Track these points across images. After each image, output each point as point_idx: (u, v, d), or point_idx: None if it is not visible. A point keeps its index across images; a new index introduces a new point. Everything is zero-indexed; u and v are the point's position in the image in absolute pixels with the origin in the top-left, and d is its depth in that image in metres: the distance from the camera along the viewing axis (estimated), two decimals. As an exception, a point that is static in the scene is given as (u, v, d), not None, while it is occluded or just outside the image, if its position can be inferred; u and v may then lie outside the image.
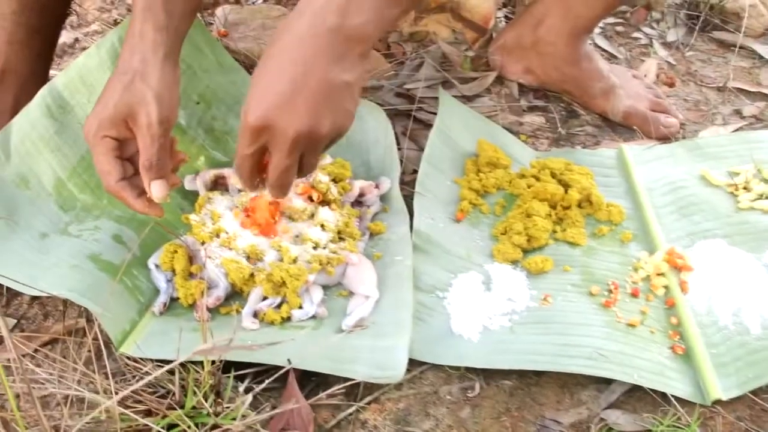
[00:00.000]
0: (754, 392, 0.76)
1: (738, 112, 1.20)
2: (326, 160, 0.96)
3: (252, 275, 0.81)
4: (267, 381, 0.71)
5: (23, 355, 0.77)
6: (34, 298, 0.84)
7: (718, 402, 0.75)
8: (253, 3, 1.39)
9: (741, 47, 1.32)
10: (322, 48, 0.68)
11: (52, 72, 1.06)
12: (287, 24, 0.70)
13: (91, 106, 0.89)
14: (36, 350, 0.78)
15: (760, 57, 1.32)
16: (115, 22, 1.37)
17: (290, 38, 0.69)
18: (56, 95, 0.88)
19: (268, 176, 0.74)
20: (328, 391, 0.73)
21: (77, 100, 0.89)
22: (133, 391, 0.68)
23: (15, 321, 0.83)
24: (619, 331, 0.80)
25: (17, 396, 0.70)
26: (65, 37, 1.29)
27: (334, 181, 0.92)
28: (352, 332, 0.77)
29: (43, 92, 0.88)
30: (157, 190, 0.76)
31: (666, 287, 0.86)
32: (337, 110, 0.71)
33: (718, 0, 1.39)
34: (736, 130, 1.15)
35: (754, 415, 0.75)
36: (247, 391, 0.72)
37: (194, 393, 0.68)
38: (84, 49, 1.30)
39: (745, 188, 0.99)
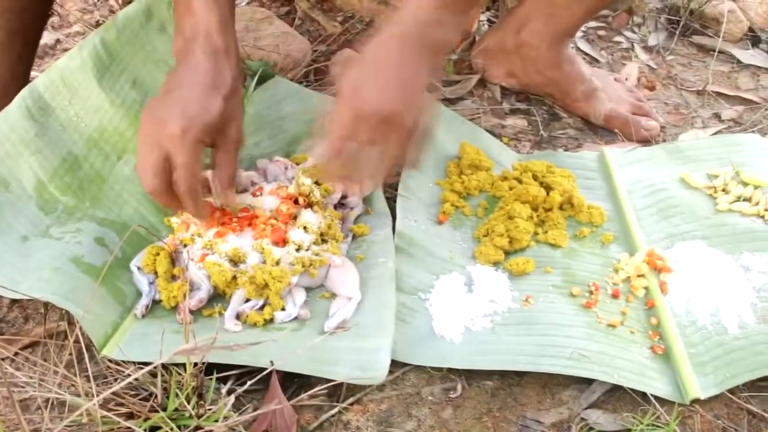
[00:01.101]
0: (731, 391, 0.77)
1: (717, 116, 1.21)
2: (308, 162, 0.96)
3: (234, 278, 0.81)
4: (249, 383, 0.71)
5: (3, 359, 0.76)
6: (14, 301, 0.84)
7: (696, 401, 0.76)
8: (237, 5, 1.39)
9: (720, 52, 1.34)
10: (414, 56, 0.79)
11: (33, 73, 1.05)
12: (380, 39, 0.79)
13: (72, 108, 0.90)
14: (16, 353, 0.78)
15: (739, 61, 1.34)
16: (97, 24, 1.36)
17: (385, 48, 0.79)
18: (37, 97, 0.88)
19: (385, 166, 0.81)
20: (311, 392, 0.73)
21: (58, 102, 0.89)
22: (114, 394, 0.68)
23: (-5, 324, 0.82)
24: (600, 332, 0.81)
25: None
26: (46, 38, 1.28)
27: (317, 183, 0.93)
28: (334, 334, 0.77)
29: (23, 94, 0.87)
30: (232, 198, 0.84)
31: (646, 288, 0.87)
32: (425, 109, 0.81)
33: (697, 5, 1.41)
34: (715, 133, 1.17)
35: (731, 413, 0.76)
36: (229, 392, 0.72)
37: (176, 395, 0.68)
38: (65, 50, 1.30)
39: (723, 191, 1.00)
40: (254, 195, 0.90)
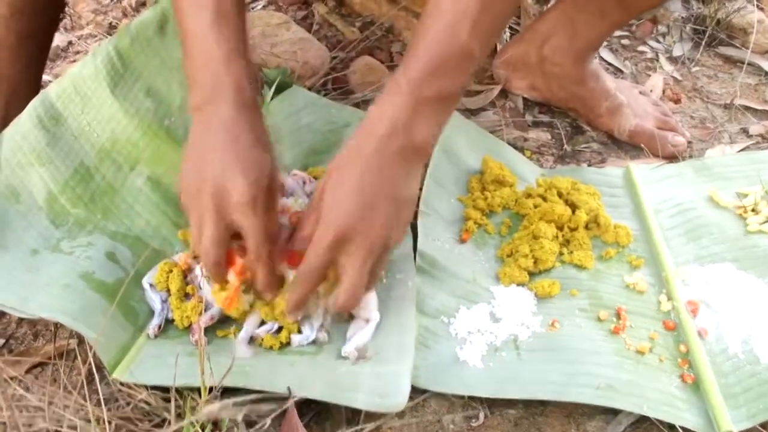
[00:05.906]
0: (762, 425, 0.74)
1: (745, 131, 1.18)
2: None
3: (250, 306, 0.78)
4: (272, 416, 0.68)
5: (11, 378, 0.74)
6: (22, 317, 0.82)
7: (726, 434, 0.73)
8: (253, 9, 1.36)
9: (748, 63, 1.30)
10: (394, 167, 0.72)
11: (45, 77, 1.03)
12: (356, 147, 0.73)
13: (85, 117, 0.87)
14: (25, 373, 0.75)
15: (767, 74, 1.31)
16: (110, 26, 1.34)
17: (362, 159, 0.72)
18: (49, 105, 0.85)
19: (342, 290, 0.72)
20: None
21: (70, 111, 0.86)
22: (127, 419, 0.66)
23: (3, 341, 0.80)
24: (628, 360, 0.78)
25: (3, 423, 0.67)
26: (58, 40, 1.26)
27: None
28: (356, 363, 0.74)
29: (35, 102, 0.85)
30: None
31: (672, 310, 0.84)
32: (404, 223, 0.75)
33: (724, 15, 1.37)
34: (743, 149, 1.13)
35: (764, 449, 0.73)
36: (245, 420, 0.70)
37: (192, 423, 0.66)
38: (78, 52, 1.27)
39: (753, 210, 0.97)
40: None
